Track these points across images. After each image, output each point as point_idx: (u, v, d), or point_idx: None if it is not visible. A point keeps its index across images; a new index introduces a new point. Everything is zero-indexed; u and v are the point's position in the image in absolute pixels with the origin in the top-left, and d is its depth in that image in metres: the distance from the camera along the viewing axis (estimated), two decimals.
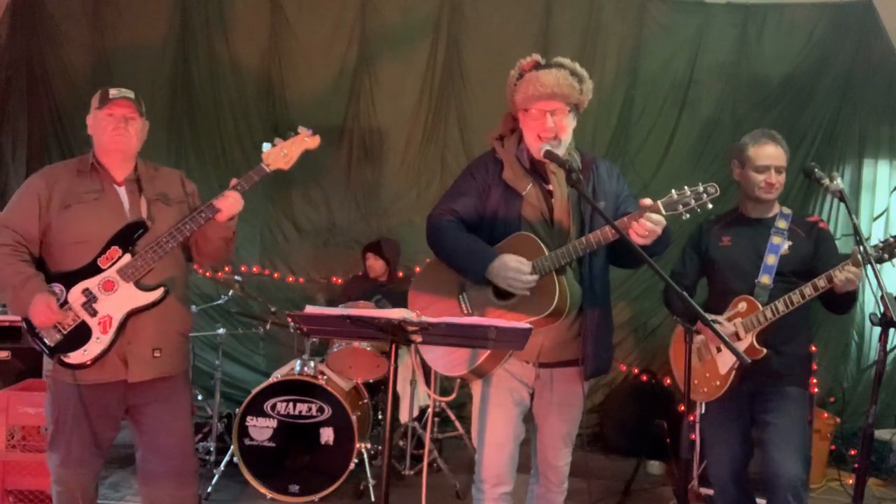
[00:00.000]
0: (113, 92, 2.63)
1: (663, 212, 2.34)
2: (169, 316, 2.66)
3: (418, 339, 2.12)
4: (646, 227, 2.30)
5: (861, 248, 2.55)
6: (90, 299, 2.55)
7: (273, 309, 4.53)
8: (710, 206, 2.35)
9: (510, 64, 2.59)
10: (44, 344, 2.56)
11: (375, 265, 5.05)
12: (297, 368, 4.14)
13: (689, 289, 3.04)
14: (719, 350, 2.86)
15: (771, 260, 2.82)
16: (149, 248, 2.57)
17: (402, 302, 2.73)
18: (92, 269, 2.56)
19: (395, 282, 5.03)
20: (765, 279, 2.81)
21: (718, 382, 2.86)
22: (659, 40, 5.68)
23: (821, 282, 2.64)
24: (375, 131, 5.79)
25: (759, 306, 2.77)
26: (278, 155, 2.67)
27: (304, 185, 5.72)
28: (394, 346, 2.15)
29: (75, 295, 2.55)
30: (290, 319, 3.63)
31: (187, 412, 2.80)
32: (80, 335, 2.54)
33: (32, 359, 4.60)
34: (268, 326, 4.52)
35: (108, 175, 2.66)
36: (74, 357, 2.54)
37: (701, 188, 2.33)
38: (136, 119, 2.66)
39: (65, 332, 2.54)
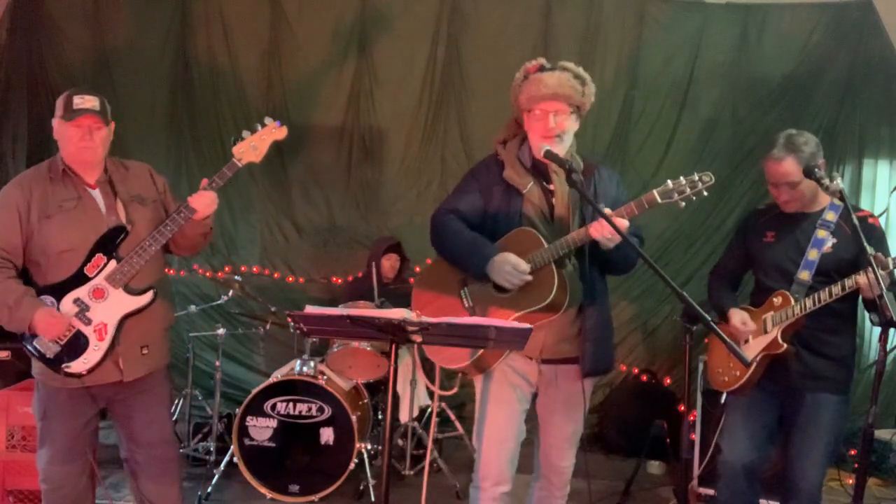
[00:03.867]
0: (77, 102, 2.59)
1: (659, 200, 2.38)
2: (154, 314, 2.69)
3: (418, 339, 2.12)
4: (606, 228, 2.35)
5: (874, 274, 2.46)
6: (83, 308, 2.56)
7: (273, 309, 4.53)
8: (705, 193, 2.38)
9: (510, 64, 2.60)
10: (44, 357, 2.56)
11: (395, 265, 5.03)
12: (297, 368, 4.14)
13: (731, 279, 3.04)
14: (746, 341, 2.85)
15: (813, 255, 2.74)
16: (133, 253, 2.59)
17: (405, 303, 2.74)
18: (80, 278, 2.57)
19: (399, 282, 5.02)
20: (804, 275, 2.74)
21: (738, 373, 2.85)
22: (659, 40, 5.68)
23: (849, 281, 2.60)
24: (375, 131, 5.79)
25: (792, 301, 2.74)
26: (248, 148, 2.68)
27: (304, 185, 5.73)
28: (394, 346, 2.15)
29: (67, 305, 2.56)
30: (290, 319, 3.63)
31: (166, 402, 2.85)
32: (77, 345, 2.56)
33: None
34: (268, 326, 4.53)
35: (80, 180, 2.66)
36: (76, 367, 2.56)
37: (696, 177, 2.38)
38: (102, 129, 2.65)
39: (62, 344, 2.55)
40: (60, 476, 2.66)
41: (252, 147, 2.68)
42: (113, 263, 2.59)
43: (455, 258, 2.61)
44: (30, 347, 2.58)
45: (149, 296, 2.63)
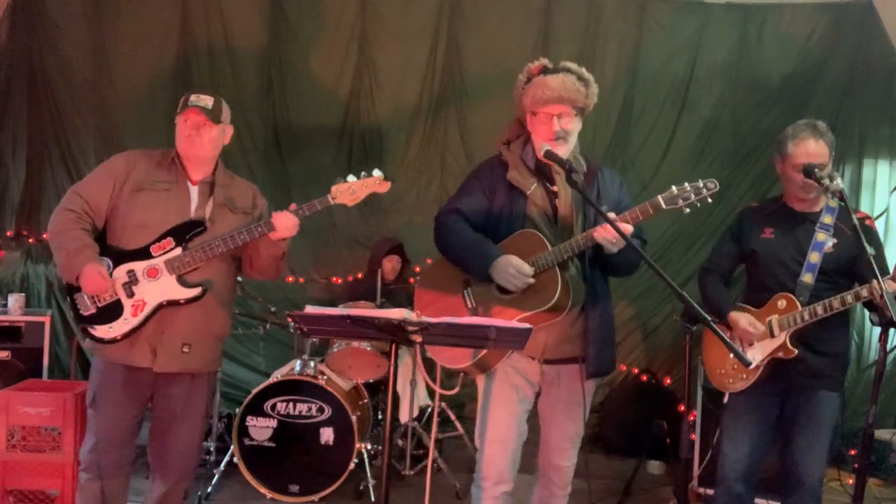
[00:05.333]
0: (192, 99, 2.71)
1: (664, 206, 2.38)
2: (206, 316, 2.72)
3: (418, 339, 2.12)
4: (610, 232, 2.35)
5: (877, 277, 2.46)
6: (132, 281, 2.64)
7: (273, 309, 4.53)
8: (709, 200, 2.39)
9: (510, 64, 2.60)
10: (77, 311, 2.66)
11: (397, 267, 5.04)
12: (297, 368, 4.14)
13: (724, 276, 3.02)
14: (751, 344, 2.84)
15: (815, 258, 2.75)
16: (199, 248, 2.65)
17: (406, 303, 2.73)
18: (143, 254, 2.65)
19: (400, 283, 5.03)
20: (807, 277, 2.75)
21: (745, 376, 2.84)
22: (659, 40, 5.68)
23: (863, 291, 2.59)
24: (375, 131, 5.79)
25: (799, 306, 2.73)
26: (346, 191, 2.74)
27: (303, 185, 5.72)
28: (394, 346, 2.15)
29: (119, 273, 2.64)
30: (290, 319, 3.63)
31: (201, 415, 2.84)
32: (111, 312, 2.64)
33: (32, 359, 4.61)
34: (268, 326, 4.53)
35: (184, 173, 2.75)
36: (100, 331, 2.64)
37: (701, 183, 2.39)
38: (210, 127, 2.71)
39: (99, 305, 2.63)
40: (101, 465, 2.68)
41: (350, 191, 2.74)
42: (178, 251, 2.65)
43: (458, 259, 2.61)
44: (69, 300, 2.67)
45: (196, 291, 2.66)
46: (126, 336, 2.62)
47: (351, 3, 5.71)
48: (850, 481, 4.47)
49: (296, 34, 5.72)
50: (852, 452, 4.89)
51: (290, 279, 5.74)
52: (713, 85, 5.68)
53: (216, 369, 2.88)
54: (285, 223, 2.69)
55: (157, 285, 2.64)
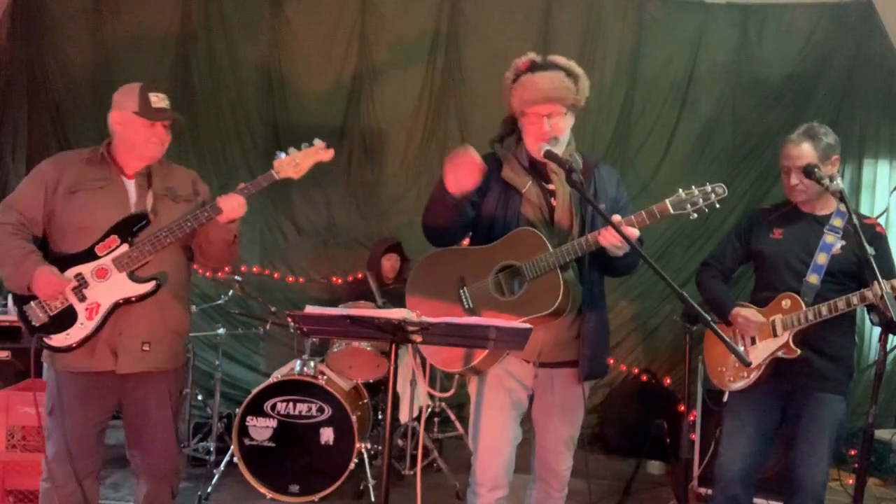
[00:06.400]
0: (154, 101, 2.63)
1: (671, 210, 2.34)
2: (163, 312, 2.67)
3: (418, 339, 2.11)
4: (615, 237, 2.31)
5: (876, 277, 2.48)
6: (81, 284, 2.57)
7: (273, 309, 4.53)
8: (717, 206, 2.35)
9: (510, 64, 2.58)
10: (28, 323, 2.58)
11: (396, 265, 5.05)
12: (297, 368, 4.14)
13: (725, 274, 3.03)
14: (753, 342, 2.85)
15: (822, 259, 2.76)
16: (146, 241, 2.59)
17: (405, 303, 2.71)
18: (88, 255, 2.58)
19: (400, 282, 5.03)
20: (813, 278, 2.76)
21: (746, 374, 2.85)
22: (659, 40, 5.68)
23: (869, 294, 2.59)
24: (375, 131, 5.80)
25: (803, 306, 2.74)
26: (290, 164, 2.69)
27: (304, 185, 5.71)
28: (394, 346, 2.15)
29: (67, 278, 2.56)
30: (290, 319, 3.62)
31: (168, 409, 2.77)
32: (65, 319, 2.57)
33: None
34: (268, 326, 4.53)
35: (117, 167, 2.69)
36: (56, 340, 2.56)
37: (709, 188, 2.34)
38: (169, 129, 2.71)
39: (51, 314, 2.57)
40: (64, 475, 2.62)
41: (294, 164, 2.69)
42: (125, 247, 2.58)
43: (436, 212, 2.52)
44: (19, 312, 2.59)
45: (150, 285, 2.60)
46: (84, 341, 2.56)
47: (351, 3, 5.71)
48: (850, 481, 4.47)
49: (296, 34, 5.72)
50: (852, 452, 4.89)
51: (291, 279, 5.74)
52: (713, 85, 5.68)
53: (180, 365, 2.82)
54: (231, 204, 2.62)
55: (108, 285, 2.57)
